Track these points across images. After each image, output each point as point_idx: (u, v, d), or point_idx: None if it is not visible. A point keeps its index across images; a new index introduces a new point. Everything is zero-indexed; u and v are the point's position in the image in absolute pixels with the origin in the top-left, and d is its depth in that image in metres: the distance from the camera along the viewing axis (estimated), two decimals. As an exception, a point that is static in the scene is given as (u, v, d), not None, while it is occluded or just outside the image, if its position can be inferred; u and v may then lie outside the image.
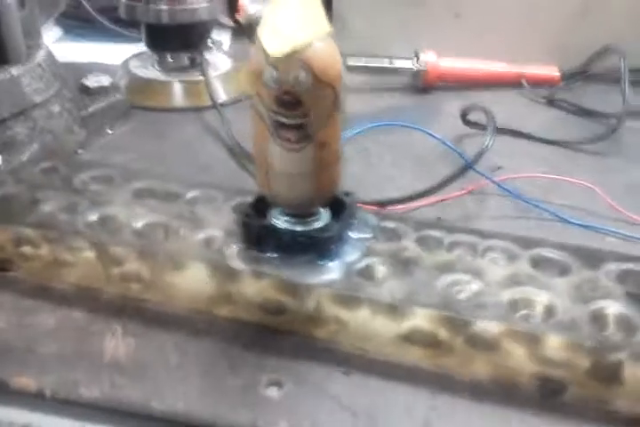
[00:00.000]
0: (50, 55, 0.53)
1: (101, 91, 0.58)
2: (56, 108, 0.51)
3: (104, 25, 0.75)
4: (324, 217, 0.36)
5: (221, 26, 0.78)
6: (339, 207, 0.37)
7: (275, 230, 0.35)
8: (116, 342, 0.34)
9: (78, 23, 0.79)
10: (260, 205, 0.36)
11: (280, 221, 0.36)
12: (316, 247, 0.35)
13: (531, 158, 0.55)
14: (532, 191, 0.48)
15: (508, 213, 0.47)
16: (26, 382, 0.32)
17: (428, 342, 0.33)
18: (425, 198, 0.46)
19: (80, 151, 0.54)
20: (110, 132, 0.58)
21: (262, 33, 0.30)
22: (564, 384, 0.32)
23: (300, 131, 0.31)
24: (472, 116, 0.57)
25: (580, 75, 0.68)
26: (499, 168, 0.51)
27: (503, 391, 0.32)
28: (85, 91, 0.58)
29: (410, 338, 0.33)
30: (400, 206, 0.46)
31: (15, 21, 0.48)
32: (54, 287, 0.39)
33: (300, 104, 0.30)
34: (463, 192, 0.48)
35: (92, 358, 0.34)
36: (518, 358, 0.32)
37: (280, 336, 0.35)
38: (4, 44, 0.48)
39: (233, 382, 0.33)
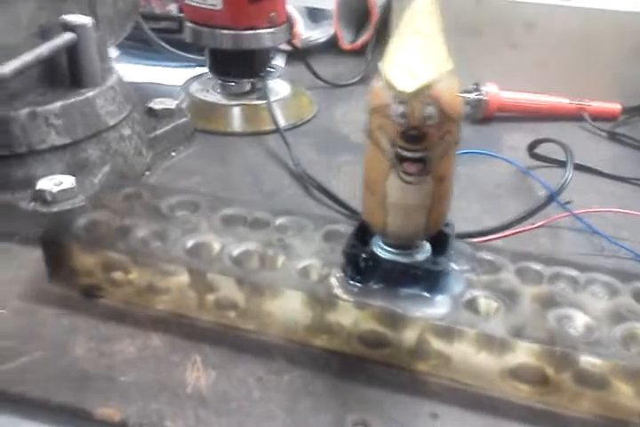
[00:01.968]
0: (121, 78, 0.53)
1: (167, 113, 0.58)
2: (127, 131, 0.52)
3: (161, 46, 0.76)
4: (425, 248, 0.36)
5: (277, 50, 0.78)
6: (436, 236, 0.36)
7: (381, 262, 0.35)
8: (198, 373, 0.34)
9: (135, 44, 0.80)
10: (361, 235, 0.36)
11: (383, 252, 0.35)
12: (425, 280, 0.35)
13: (598, 194, 0.54)
14: (604, 227, 0.48)
15: (581, 250, 0.47)
16: (109, 412, 0.32)
17: (535, 378, 0.33)
18: (498, 232, 0.46)
19: (147, 173, 0.54)
20: (174, 154, 0.58)
21: (388, 69, 0.30)
22: None
23: (422, 164, 0.31)
24: (538, 150, 0.57)
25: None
26: (568, 202, 0.51)
27: None
28: (151, 113, 0.58)
29: (516, 374, 0.33)
30: (470, 240, 0.45)
31: (92, 44, 0.48)
32: (137, 314, 0.39)
33: (426, 138, 0.30)
34: (536, 226, 0.48)
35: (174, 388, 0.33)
36: (627, 396, 0.31)
37: (370, 371, 0.35)
38: (81, 67, 0.48)
39: (317, 421, 0.32)
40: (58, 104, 0.46)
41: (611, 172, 0.57)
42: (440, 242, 0.36)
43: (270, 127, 0.62)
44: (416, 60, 0.30)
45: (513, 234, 0.47)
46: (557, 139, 0.56)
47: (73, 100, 0.47)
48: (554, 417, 0.33)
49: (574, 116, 0.67)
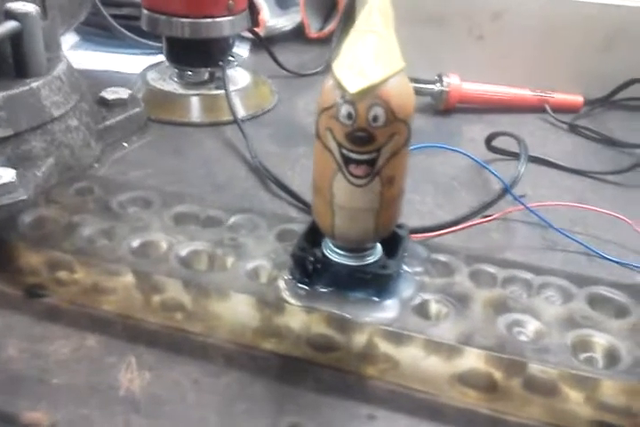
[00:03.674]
0: (69, 67, 0.51)
1: (119, 103, 0.57)
2: (74, 122, 0.50)
3: (122, 33, 0.74)
4: (377, 250, 0.35)
5: (240, 38, 0.77)
6: (389, 238, 0.35)
7: (330, 265, 0.34)
8: (132, 375, 0.33)
9: (95, 30, 0.78)
10: (311, 236, 0.35)
11: (333, 254, 0.35)
12: (374, 283, 0.34)
13: (554, 187, 0.54)
14: (558, 221, 0.47)
15: (535, 244, 0.47)
16: (37, 416, 0.31)
17: (483, 384, 0.32)
18: (449, 227, 0.45)
19: (96, 165, 0.52)
20: (126, 145, 0.56)
21: (338, 68, 0.29)
22: None
23: (369, 166, 0.30)
24: (496, 142, 0.56)
25: (603, 101, 0.67)
26: (522, 196, 0.50)
27: None
28: (103, 103, 0.57)
29: (465, 379, 0.33)
30: (423, 235, 0.45)
31: (38, 33, 0.47)
32: (76, 314, 0.37)
33: (373, 140, 0.29)
34: (489, 219, 0.47)
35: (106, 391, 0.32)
36: (576, 402, 0.31)
37: (315, 374, 0.34)
38: (25, 57, 0.47)
39: (251, 425, 0.31)
40: (0, 95, 0.45)
41: (569, 165, 0.57)
42: (393, 244, 0.36)
43: (229, 118, 0.61)
44: (366, 59, 0.29)
45: (465, 228, 0.46)
46: (517, 131, 0.56)
47: (16, 90, 0.46)
48: (500, 423, 0.32)
49: (536, 108, 0.67)
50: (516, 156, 0.54)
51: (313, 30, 0.85)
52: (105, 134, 0.54)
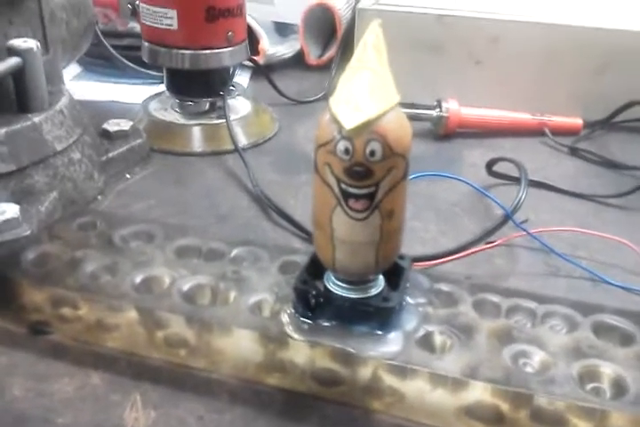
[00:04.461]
0: (71, 101, 0.52)
1: (121, 135, 0.57)
2: (77, 155, 0.50)
3: (123, 63, 0.75)
4: (379, 282, 0.35)
5: (240, 67, 0.78)
6: (392, 269, 0.35)
7: (332, 298, 0.34)
8: (137, 414, 0.33)
9: (97, 61, 0.79)
10: (313, 269, 0.35)
11: (335, 287, 0.34)
12: (377, 317, 0.34)
13: (556, 211, 0.54)
14: (561, 246, 0.47)
15: (538, 271, 0.46)
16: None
17: (490, 416, 0.32)
18: (451, 255, 0.45)
19: (99, 198, 0.53)
20: (129, 176, 0.57)
21: (335, 104, 0.29)
22: None
23: (368, 200, 0.30)
24: (496, 167, 0.57)
25: (603, 124, 0.67)
26: (524, 221, 0.50)
27: None
28: (106, 135, 0.57)
29: (471, 412, 0.32)
30: (425, 263, 0.45)
31: (39, 68, 0.47)
32: (80, 351, 0.37)
33: (371, 175, 0.29)
34: (492, 245, 0.47)
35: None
36: None
37: (320, 409, 0.34)
38: (27, 92, 0.47)
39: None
40: (2, 131, 0.45)
41: (571, 188, 0.57)
42: (395, 275, 0.36)
43: (230, 147, 0.61)
44: (362, 94, 0.29)
45: (468, 255, 0.46)
46: (517, 155, 0.56)
47: (18, 125, 0.46)
48: None
49: (536, 132, 0.67)
50: (516, 180, 0.54)
51: (312, 57, 0.86)
52: (108, 166, 0.55)
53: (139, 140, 0.58)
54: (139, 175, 0.57)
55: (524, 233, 0.47)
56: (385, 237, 0.32)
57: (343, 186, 0.30)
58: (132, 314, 0.36)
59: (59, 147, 0.49)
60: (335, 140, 0.29)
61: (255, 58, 0.72)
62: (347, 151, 0.29)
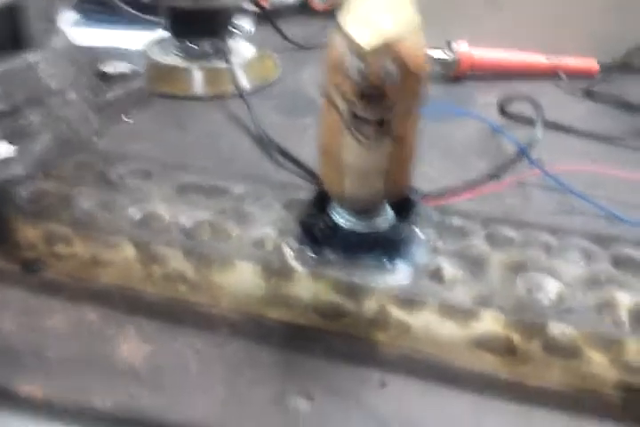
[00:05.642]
0: (67, 40, 0.50)
1: (120, 77, 0.55)
2: (72, 96, 0.48)
3: (122, 9, 0.73)
4: (387, 214, 0.34)
5: (245, 12, 0.75)
6: (400, 203, 0.34)
7: (339, 231, 0.33)
8: (132, 347, 0.32)
9: (96, 7, 0.77)
10: (319, 203, 0.34)
11: (342, 220, 0.33)
12: (385, 249, 0.32)
13: (570, 152, 0.52)
14: (576, 186, 0.45)
15: (551, 209, 0.45)
16: (33, 389, 0.30)
17: (502, 347, 0.31)
18: (461, 192, 0.43)
19: (95, 139, 0.51)
20: (127, 119, 0.55)
21: (348, 23, 0.27)
22: None
23: (380, 126, 0.28)
24: (509, 108, 0.55)
25: (619, 66, 0.65)
26: (537, 160, 0.48)
27: (583, 401, 0.30)
28: (103, 77, 0.55)
29: (482, 343, 0.31)
30: (436, 200, 0.43)
31: (34, 4, 0.45)
32: (75, 287, 0.36)
33: (385, 98, 0.28)
34: (503, 184, 0.45)
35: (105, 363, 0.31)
36: (601, 365, 0.30)
37: (324, 342, 0.33)
38: (20, 29, 0.45)
39: (259, 393, 0.30)
40: (-4, 68, 0.44)
41: (586, 130, 0.55)
42: (404, 208, 0.34)
43: (232, 90, 0.59)
44: (379, 12, 0.27)
45: (480, 193, 0.44)
46: (532, 97, 0.54)
47: (12, 63, 0.44)
48: (520, 387, 0.31)
49: (550, 75, 0.64)
50: (530, 122, 0.52)
51: (318, 2, 0.83)
52: (105, 108, 0.53)
53: (137, 83, 0.56)
54: (137, 118, 0.55)
55: (537, 172, 0.45)
56: (395, 165, 0.30)
57: (354, 109, 0.28)
58: (129, 249, 0.35)
59: (54, 86, 0.47)
60: (348, 60, 0.27)
61: (261, 2, 0.70)
62: (361, 73, 0.27)
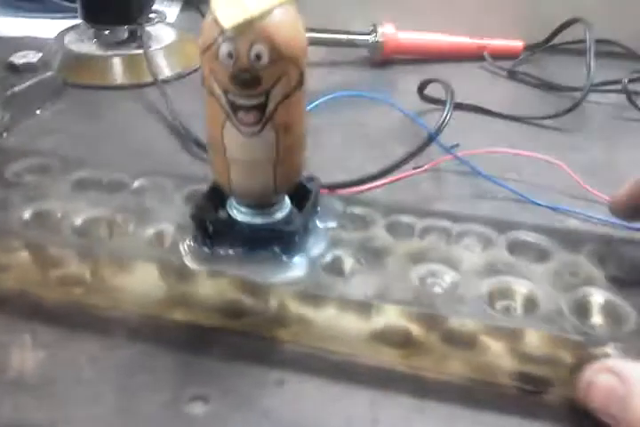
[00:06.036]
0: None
1: (29, 68, 0.53)
2: (-25, 89, 0.47)
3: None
4: (285, 206, 0.33)
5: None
6: (301, 194, 0.33)
7: (232, 224, 0.32)
8: (24, 355, 0.31)
9: (15, -6, 0.74)
10: (215, 196, 0.33)
11: (238, 213, 0.32)
12: (279, 241, 0.32)
13: (489, 135, 0.52)
14: (491, 169, 0.45)
15: (464, 194, 0.45)
16: None
17: (400, 340, 0.30)
18: (373, 180, 0.43)
19: (4, 135, 0.49)
20: (39, 112, 0.53)
21: (217, 2, 0.26)
22: (547, 382, 0.30)
23: (259, 112, 0.27)
24: (431, 91, 0.54)
25: (542, 46, 0.65)
26: (455, 146, 0.48)
27: (480, 393, 0.30)
28: (13, 69, 0.53)
29: (381, 337, 0.31)
30: (349, 190, 0.43)
31: None
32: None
33: (259, 82, 0.27)
34: (417, 171, 0.45)
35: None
36: (497, 354, 0.29)
37: (225, 342, 0.32)
38: None
39: (152, 399, 0.29)
40: None
41: (508, 111, 0.55)
42: (304, 198, 0.33)
43: (151, 78, 0.57)
44: None
45: (394, 181, 0.44)
46: (455, 80, 0.53)
47: None
48: (419, 380, 0.30)
49: (476, 56, 0.64)
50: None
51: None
52: (13, 101, 0.51)
53: (48, 73, 0.54)
54: (50, 111, 0.53)
55: (452, 157, 0.45)
56: (282, 154, 0.29)
57: (230, 96, 0.27)
58: (23, 252, 0.33)
59: (-47, 79, 0.45)
60: (217, 42, 0.26)
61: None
62: (230, 55, 0.26)
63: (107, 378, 0.30)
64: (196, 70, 0.62)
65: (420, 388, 0.30)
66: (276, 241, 0.32)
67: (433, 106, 0.54)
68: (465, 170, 0.46)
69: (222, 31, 0.26)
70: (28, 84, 0.52)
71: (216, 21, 0.26)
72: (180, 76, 0.60)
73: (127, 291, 0.33)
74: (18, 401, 0.28)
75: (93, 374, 0.30)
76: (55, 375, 0.30)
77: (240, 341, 0.32)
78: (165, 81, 0.57)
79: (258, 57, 0.26)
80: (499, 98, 0.58)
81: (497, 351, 0.30)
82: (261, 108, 0.27)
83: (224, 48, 0.26)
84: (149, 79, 0.58)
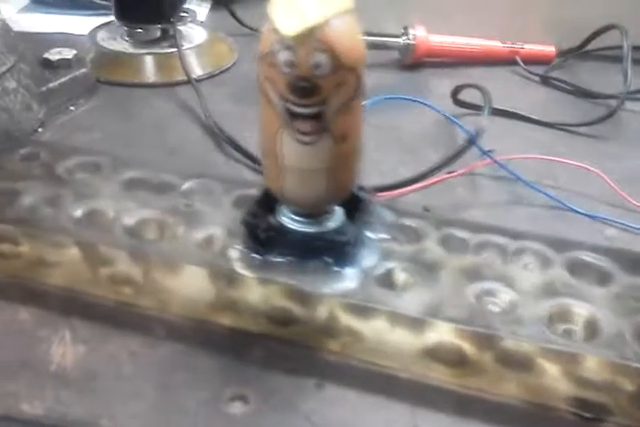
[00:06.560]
0: (4, 27, 0.48)
1: (64, 64, 0.53)
2: (12, 84, 0.46)
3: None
4: (337, 215, 0.33)
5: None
6: (352, 203, 0.33)
7: (284, 232, 0.32)
8: (65, 349, 0.31)
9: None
10: (266, 202, 0.33)
11: (289, 221, 0.32)
12: (331, 251, 0.31)
13: (524, 141, 0.52)
14: (527, 175, 0.45)
15: (500, 200, 0.44)
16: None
17: (453, 358, 0.30)
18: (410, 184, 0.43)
19: (40, 130, 0.49)
20: (73, 108, 0.53)
21: (274, 10, 0.26)
22: (606, 410, 0.29)
23: (317, 121, 0.27)
24: (463, 96, 0.54)
25: (576, 51, 0.64)
26: (491, 151, 0.48)
27: (536, 415, 0.29)
28: (48, 65, 0.53)
29: (433, 354, 0.30)
30: (385, 193, 0.42)
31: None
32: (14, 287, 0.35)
33: (318, 91, 0.26)
34: (453, 175, 0.45)
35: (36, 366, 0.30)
36: (554, 378, 0.29)
37: (255, 344, 0.32)
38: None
39: (191, 398, 0.29)
40: None
41: (541, 117, 0.54)
42: (356, 208, 0.33)
43: (183, 77, 0.57)
44: None
45: (429, 185, 0.44)
46: (488, 84, 0.53)
47: (-56, 51, 0.43)
48: (471, 400, 0.30)
49: (507, 61, 0.64)
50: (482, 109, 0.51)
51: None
52: (49, 97, 0.51)
53: (82, 70, 0.54)
54: (83, 107, 0.53)
55: (488, 162, 0.45)
56: (337, 163, 0.29)
57: (288, 105, 0.27)
58: (74, 249, 0.33)
59: (-9, 76, 0.45)
60: (276, 50, 0.26)
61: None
62: (289, 63, 0.26)
63: (147, 375, 0.30)
64: (227, 70, 0.62)
65: (465, 404, 0.30)
66: (328, 251, 0.31)
67: (465, 110, 0.54)
68: (499, 176, 0.46)
69: (282, 39, 0.26)
70: (62, 80, 0.52)
71: (276, 29, 0.26)
72: (210, 76, 0.60)
73: (175, 293, 0.33)
74: (58, 394, 0.29)
75: (134, 370, 0.30)
76: (96, 371, 0.30)
77: (281, 346, 0.32)
78: (197, 80, 0.57)
79: (317, 66, 0.26)
80: (531, 103, 0.58)
81: (554, 375, 0.29)
82: (319, 116, 0.27)
83: (283, 56, 0.26)
84: (180, 78, 0.58)
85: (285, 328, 0.32)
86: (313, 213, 0.32)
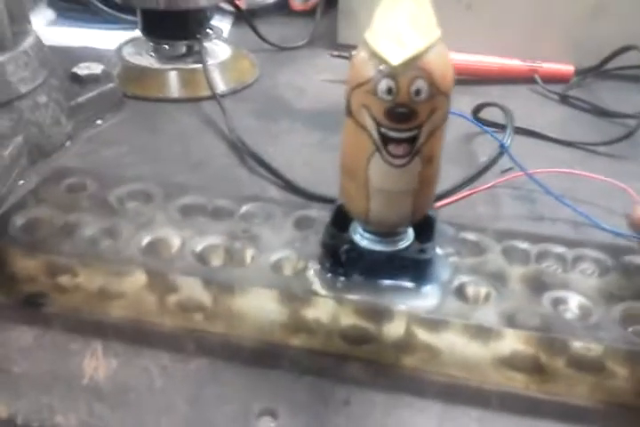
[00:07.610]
0: (38, 42, 0.48)
1: (92, 79, 0.54)
2: (43, 99, 0.47)
3: (98, 8, 0.72)
4: (408, 234, 0.33)
5: (221, 11, 0.75)
6: (419, 222, 0.33)
7: (365, 252, 0.32)
8: (97, 363, 0.31)
9: (71, 6, 0.76)
10: (339, 222, 0.33)
11: (362, 240, 0.32)
12: (412, 270, 0.32)
13: (544, 159, 0.52)
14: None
15: (523, 215, 0.45)
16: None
17: (529, 366, 0.31)
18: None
19: (68, 144, 0.50)
20: (100, 122, 0.54)
21: (375, 39, 0.26)
22: None
23: (410, 145, 0.28)
24: (483, 114, 0.55)
25: (594, 70, 0.65)
26: (510, 169, 0.48)
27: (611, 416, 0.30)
28: (76, 79, 0.54)
29: (509, 363, 0.31)
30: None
31: (1, 6, 0.45)
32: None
33: (415, 116, 0.27)
34: (482, 188, 0.45)
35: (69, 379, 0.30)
36: (623, 378, 0.30)
37: (281, 360, 0.32)
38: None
39: (221, 412, 0.29)
40: (-38, 72, 0.43)
41: (560, 136, 0.55)
42: (423, 226, 0.33)
43: (207, 93, 0.58)
44: (405, 27, 0.26)
45: (454, 202, 0.44)
46: (507, 102, 0.54)
47: (-20, 67, 0.43)
48: (551, 405, 0.31)
49: (526, 79, 0.65)
50: (503, 127, 0.52)
51: (297, 2, 0.82)
52: (77, 111, 0.51)
53: (110, 85, 0.54)
54: (110, 121, 0.54)
55: (509, 177, 0.46)
56: (423, 184, 0.30)
57: (383, 130, 0.27)
58: (141, 278, 0.33)
59: (23, 89, 0.46)
60: (376, 78, 0.26)
61: (237, 2, 0.69)
62: (389, 91, 0.26)
63: (178, 389, 0.30)
64: (249, 86, 0.63)
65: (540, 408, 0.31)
66: (410, 269, 0.32)
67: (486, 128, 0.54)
68: (520, 193, 0.47)
69: (383, 68, 0.26)
70: (90, 94, 0.53)
71: (377, 57, 0.26)
72: (234, 91, 0.62)
73: (248, 317, 0.33)
74: (92, 407, 0.29)
75: (165, 383, 0.31)
76: (128, 384, 0.30)
77: (307, 358, 0.32)
78: (220, 96, 0.58)
79: (417, 92, 0.26)
80: (550, 122, 0.59)
81: (622, 375, 0.30)
82: (412, 140, 0.28)
83: (385, 84, 0.26)
84: (205, 93, 0.59)
85: (360, 347, 0.32)
86: (390, 232, 0.32)
